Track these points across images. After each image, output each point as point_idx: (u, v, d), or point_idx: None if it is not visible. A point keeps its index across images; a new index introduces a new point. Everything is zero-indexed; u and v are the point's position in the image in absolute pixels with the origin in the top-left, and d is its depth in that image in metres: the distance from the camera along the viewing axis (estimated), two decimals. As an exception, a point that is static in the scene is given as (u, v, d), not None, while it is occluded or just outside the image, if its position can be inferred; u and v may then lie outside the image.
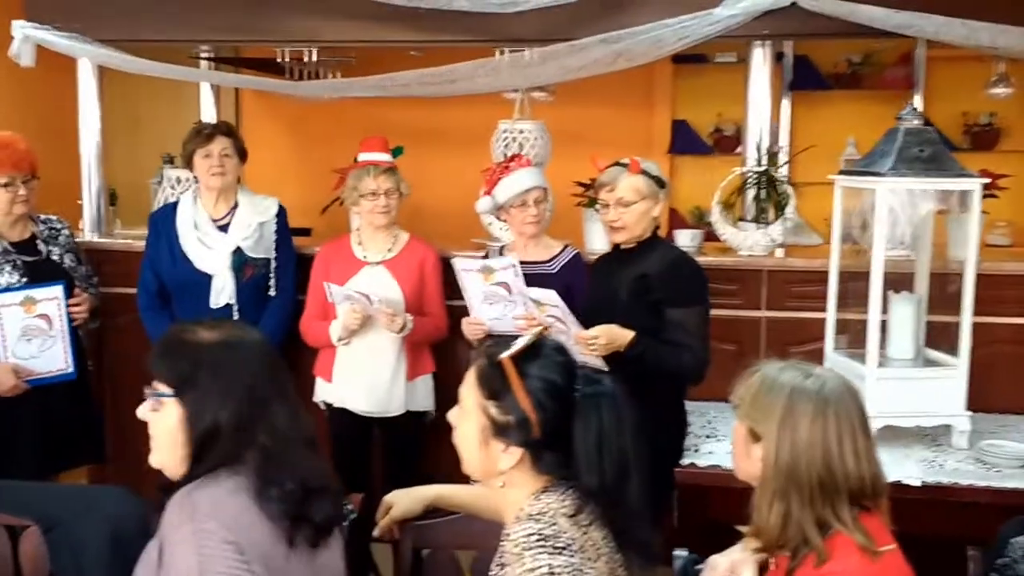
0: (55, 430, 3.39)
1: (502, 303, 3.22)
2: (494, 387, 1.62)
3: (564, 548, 1.48)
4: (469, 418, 1.66)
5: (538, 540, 1.48)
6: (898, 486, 2.58)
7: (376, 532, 2.11)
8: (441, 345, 3.68)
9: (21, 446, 3.25)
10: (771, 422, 1.63)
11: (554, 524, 1.51)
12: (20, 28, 3.99)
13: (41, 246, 3.42)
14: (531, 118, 3.93)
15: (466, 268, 3.22)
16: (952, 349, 3.07)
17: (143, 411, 1.72)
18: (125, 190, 4.78)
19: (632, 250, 2.93)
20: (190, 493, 1.63)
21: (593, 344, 2.76)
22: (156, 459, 1.72)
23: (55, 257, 3.44)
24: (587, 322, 2.83)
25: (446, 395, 3.69)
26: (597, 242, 3.90)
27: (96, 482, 3.91)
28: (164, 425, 1.68)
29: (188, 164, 3.56)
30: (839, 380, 1.72)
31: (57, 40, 3.99)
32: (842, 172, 3.29)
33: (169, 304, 3.59)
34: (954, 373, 3.01)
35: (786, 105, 5.49)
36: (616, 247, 3.01)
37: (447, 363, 3.78)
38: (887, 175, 2.94)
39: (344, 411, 3.50)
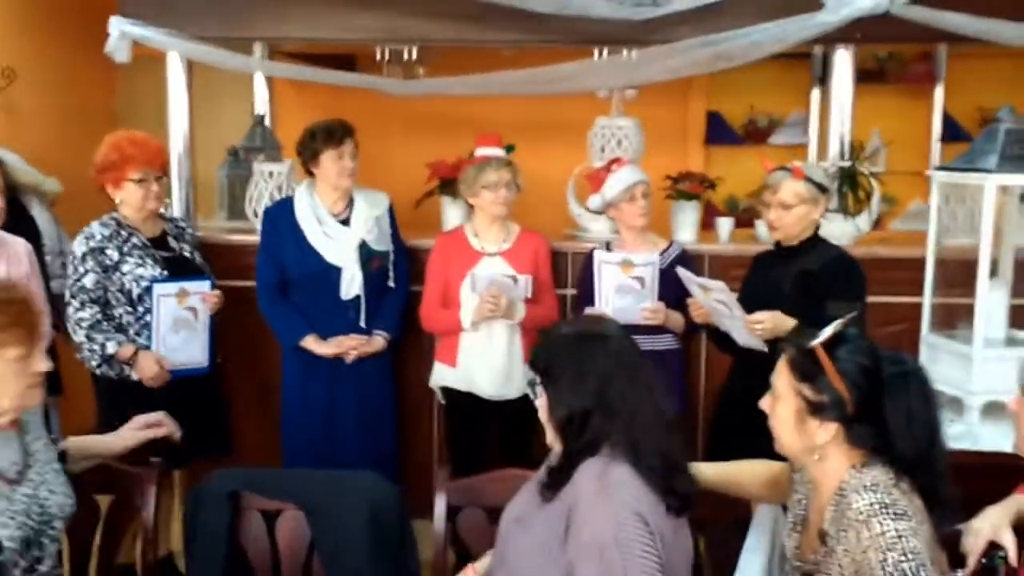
0: (190, 421, 3.49)
1: (632, 295, 3.43)
2: (807, 371, 1.83)
3: (903, 514, 1.70)
4: (784, 402, 1.87)
5: (881, 508, 1.70)
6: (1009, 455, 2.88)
7: None
8: (547, 332, 3.87)
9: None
10: None
11: (890, 493, 1.73)
12: (117, 24, 4.02)
13: (173, 243, 3.53)
14: (624, 114, 4.13)
15: (607, 260, 3.42)
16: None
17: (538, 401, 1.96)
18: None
19: (794, 248, 3.16)
20: (606, 468, 1.84)
21: (760, 328, 2.99)
22: (548, 436, 1.97)
23: (187, 254, 3.55)
24: (748, 311, 3.05)
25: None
26: (684, 234, 4.11)
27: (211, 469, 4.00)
28: (542, 409, 1.95)
29: (311, 162, 3.64)
30: None
31: (153, 36, 4.03)
32: (939, 168, 3.57)
33: (288, 297, 3.70)
34: (1049, 351, 3.33)
35: (815, 98, 5.75)
36: (777, 245, 3.23)
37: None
38: (994, 171, 3.22)
39: (467, 395, 3.66)
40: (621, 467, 1.86)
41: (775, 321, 3.01)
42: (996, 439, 3.00)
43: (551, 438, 1.96)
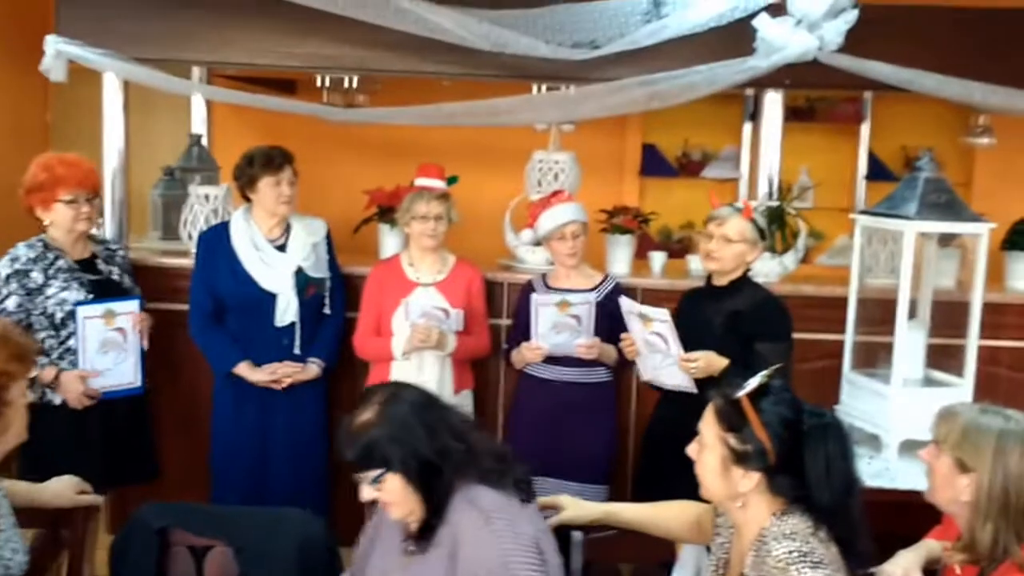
0: (117, 445, 3.48)
1: (568, 332, 3.49)
2: (732, 421, 1.90)
3: (820, 563, 1.77)
4: (710, 449, 1.93)
5: (799, 556, 1.77)
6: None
7: None
8: (479, 362, 3.90)
9: (85, 459, 3.30)
10: (983, 458, 1.97)
11: (808, 542, 1.80)
12: (53, 43, 3.97)
13: (102, 266, 3.51)
14: (561, 148, 4.20)
15: (543, 303, 3.47)
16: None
17: (370, 494, 2.01)
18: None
19: (725, 288, 3.25)
20: (471, 502, 1.95)
21: (693, 367, 3.06)
22: (400, 513, 2.02)
23: (115, 277, 3.52)
24: (679, 348, 3.13)
25: (484, 410, 3.97)
26: (618, 268, 4.19)
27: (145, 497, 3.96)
28: (393, 492, 2.00)
29: (248, 188, 3.64)
30: (1031, 421, 2.07)
31: (89, 56, 3.99)
32: (863, 212, 3.69)
33: (222, 322, 3.68)
34: (962, 391, 3.45)
35: (747, 135, 5.90)
36: (708, 282, 3.31)
37: (486, 380, 4.01)
38: (914, 218, 3.35)
39: (398, 424, 3.67)
40: (482, 490, 1.97)
41: (708, 360, 3.10)
42: (912, 477, 3.10)
43: (408, 510, 2.01)
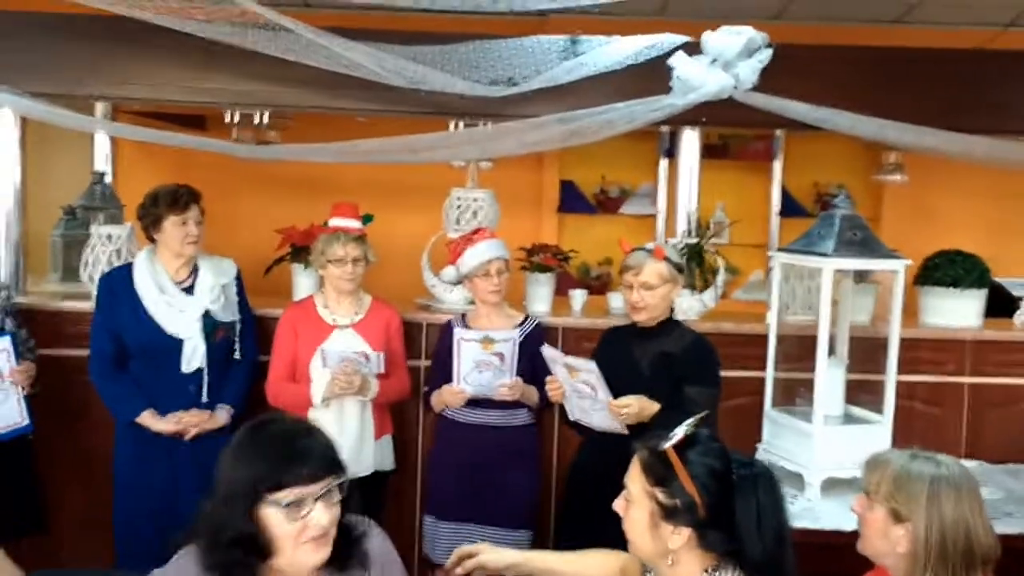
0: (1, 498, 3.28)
1: (491, 371, 3.40)
2: (659, 475, 1.83)
3: (752, 620, 1.71)
4: (638, 505, 1.85)
5: (731, 615, 1.71)
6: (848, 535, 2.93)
7: (459, 569, 2.27)
8: (397, 406, 3.79)
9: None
10: (918, 506, 1.94)
11: (739, 599, 1.74)
12: (-56, 78, 3.79)
13: None
14: (479, 185, 4.14)
15: (466, 338, 3.37)
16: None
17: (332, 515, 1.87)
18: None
19: (652, 329, 3.19)
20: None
21: (625, 412, 2.99)
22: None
23: None
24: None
25: (404, 454, 3.85)
26: (539, 306, 4.13)
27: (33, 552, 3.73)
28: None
29: (153, 227, 3.49)
30: (960, 465, 2.05)
31: (-16, 91, 3.81)
32: (780, 250, 3.70)
33: (125, 368, 3.50)
34: (882, 428, 3.46)
35: (663, 170, 5.93)
36: (633, 323, 3.25)
37: (403, 424, 3.90)
38: (831, 256, 3.36)
39: (315, 474, 3.53)
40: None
41: (641, 405, 3.02)
42: (836, 516, 3.09)
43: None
